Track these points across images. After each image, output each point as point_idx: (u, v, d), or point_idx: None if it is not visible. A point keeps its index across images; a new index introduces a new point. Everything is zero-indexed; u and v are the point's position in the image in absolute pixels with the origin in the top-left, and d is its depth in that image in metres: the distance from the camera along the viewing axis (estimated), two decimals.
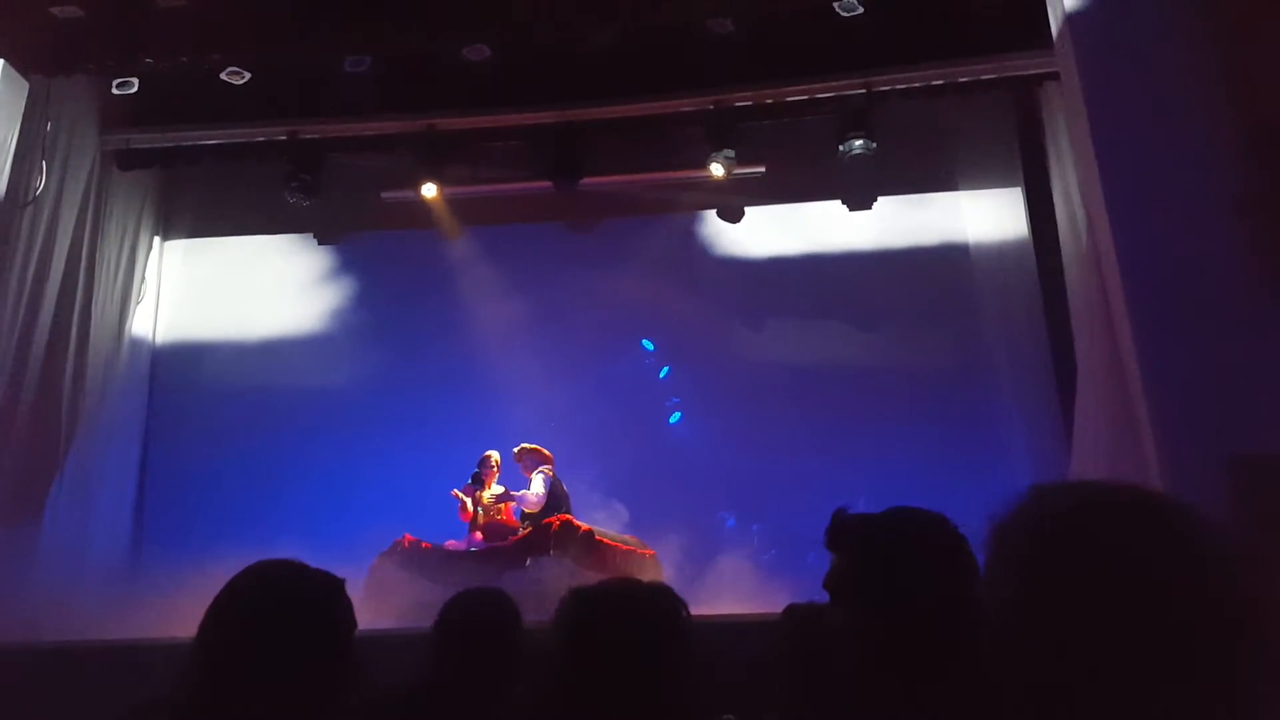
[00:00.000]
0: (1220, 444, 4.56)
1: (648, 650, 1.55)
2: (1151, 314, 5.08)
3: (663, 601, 1.65)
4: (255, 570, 1.63)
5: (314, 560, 1.66)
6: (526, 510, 6.97)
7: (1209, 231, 5.03)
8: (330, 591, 1.64)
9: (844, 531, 1.61)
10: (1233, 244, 4.89)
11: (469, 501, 7.09)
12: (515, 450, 7.26)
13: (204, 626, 1.55)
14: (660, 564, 7.25)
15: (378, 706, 2.19)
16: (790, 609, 2.97)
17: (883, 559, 1.53)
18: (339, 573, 1.69)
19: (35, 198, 6.77)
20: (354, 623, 1.65)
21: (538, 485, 7.04)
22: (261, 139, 7.68)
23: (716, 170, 7.76)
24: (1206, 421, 4.68)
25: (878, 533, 1.59)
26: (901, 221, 7.91)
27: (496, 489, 7.22)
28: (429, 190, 8.08)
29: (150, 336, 8.43)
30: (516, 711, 2.25)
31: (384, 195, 8.46)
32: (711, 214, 8.41)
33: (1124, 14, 5.52)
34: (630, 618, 1.59)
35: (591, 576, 6.38)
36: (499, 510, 7.10)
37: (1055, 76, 6.41)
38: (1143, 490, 0.94)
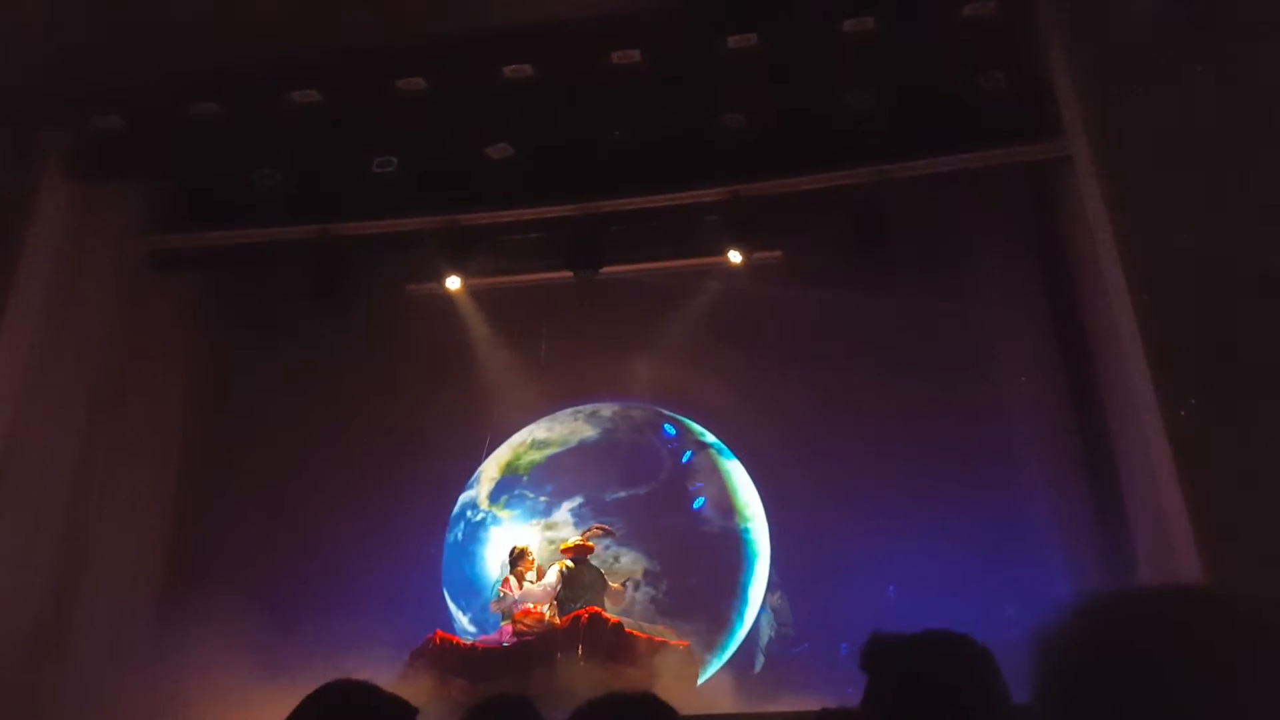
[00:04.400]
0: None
1: None
2: (1182, 397, 5.04)
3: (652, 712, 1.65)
4: (328, 694, 1.61)
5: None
6: (539, 604, 7.00)
7: (1235, 307, 5.01)
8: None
9: (880, 655, 1.66)
10: (1260, 319, 4.86)
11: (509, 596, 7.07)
12: (561, 548, 7.39)
13: None
14: (694, 655, 7.14)
15: None
16: (824, 714, 2.90)
17: (917, 684, 1.53)
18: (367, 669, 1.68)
19: (71, 301, 6.94)
20: None
21: (548, 578, 7.11)
22: (291, 239, 7.84)
23: (734, 257, 7.91)
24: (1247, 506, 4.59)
25: (911, 656, 1.60)
26: (920, 312, 7.89)
27: (529, 586, 7.18)
28: (453, 283, 8.29)
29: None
30: None
31: (410, 288, 8.66)
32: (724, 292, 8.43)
33: (1135, 95, 5.60)
34: None
35: (621, 670, 6.32)
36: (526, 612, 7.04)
37: (1068, 160, 6.49)
38: (1184, 590, 0.94)
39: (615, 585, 7.18)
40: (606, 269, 7.93)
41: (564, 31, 6.65)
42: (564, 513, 8.34)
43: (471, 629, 7.98)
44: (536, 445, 8.78)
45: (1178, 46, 5.38)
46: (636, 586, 7.60)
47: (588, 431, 8.77)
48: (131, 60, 6.55)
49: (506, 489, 8.66)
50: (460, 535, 8.56)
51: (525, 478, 8.66)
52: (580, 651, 6.47)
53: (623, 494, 8.36)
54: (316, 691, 1.60)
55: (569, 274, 8.03)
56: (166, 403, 8.14)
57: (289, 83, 6.90)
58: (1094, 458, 7.09)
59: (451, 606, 8.22)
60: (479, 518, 8.61)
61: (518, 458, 8.76)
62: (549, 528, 7.84)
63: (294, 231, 7.82)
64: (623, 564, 8.00)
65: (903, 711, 1.54)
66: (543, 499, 8.48)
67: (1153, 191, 5.45)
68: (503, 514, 8.55)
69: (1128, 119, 5.61)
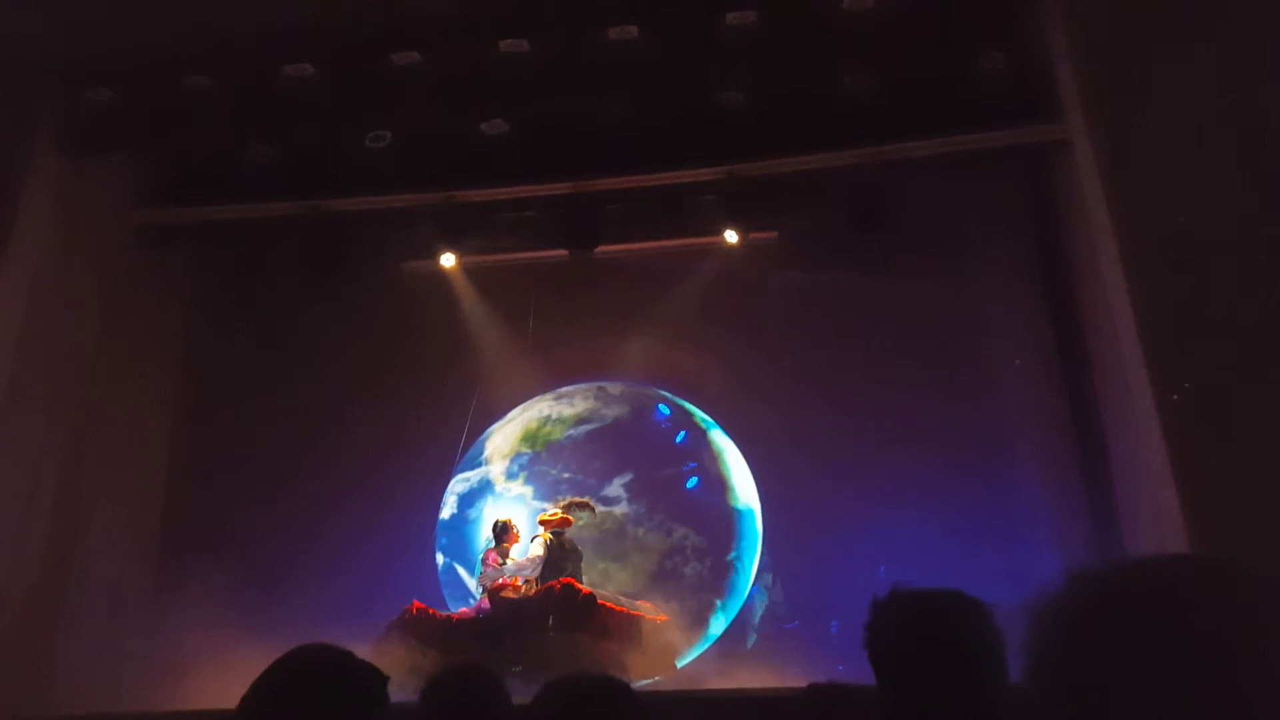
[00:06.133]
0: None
1: None
2: (1175, 381, 5.06)
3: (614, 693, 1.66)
4: (297, 659, 1.61)
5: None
6: (524, 577, 6.98)
7: (1232, 294, 5.02)
8: (373, 689, 1.62)
9: (890, 612, 1.64)
10: (1259, 304, 4.87)
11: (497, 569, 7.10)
12: (540, 519, 7.44)
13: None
14: (675, 629, 7.18)
15: None
16: (813, 688, 2.93)
17: (932, 642, 1.52)
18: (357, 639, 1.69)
19: (63, 274, 6.90)
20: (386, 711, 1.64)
21: (533, 549, 7.15)
22: (284, 215, 7.79)
23: (730, 237, 7.90)
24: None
25: (926, 615, 1.58)
26: (915, 294, 7.87)
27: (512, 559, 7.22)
28: (448, 260, 8.27)
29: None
30: None
31: (404, 265, 8.63)
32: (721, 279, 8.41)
33: (1136, 77, 5.58)
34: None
35: (595, 643, 6.37)
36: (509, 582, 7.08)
37: (1068, 145, 6.46)
38: (1176, 561, 0.94)
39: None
40: (602, 248, 7.89)
41: (561, 6, 6.60)
42: (586, 490, 8.35)
43: None
44: (553, 422, 8.79)
45: (1181, 27, 5.35)
46: (584, 507, 7.66)
47: (603, 409, 8.79)
48: (123, 33, 6.49)
49: (524, 465, 8.68)
50: (475, 512, 8.55)
51: (543, 453, 8.68)
52: (551, 622, 6.50)
53: (637, 474, 8.40)
54: (285, 655, 1.60)
55: (564, 252, 8.00)
56: (160, 374, 8.10)
57: (282, 56, 6.84)
58: (1085, 441, 7.12)
59: (469, 583, 8.21)
60: (495, 493, 8.63)
61: (532, 434, 8.77)
62: (571, 505, 7.91)
63: (286, 207, 7.76)
64: (649, 540, 8.13)
65: (917, 674, 1.53)
66: (566, 475, 8.51)
67: (1151, 175, 5.45)
68: (522, 490, 8.56)
69: (1127, 101, 5.60)
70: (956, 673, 1.50)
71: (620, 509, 8.25)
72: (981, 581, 1.71)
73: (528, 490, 8.55)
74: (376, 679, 1.63)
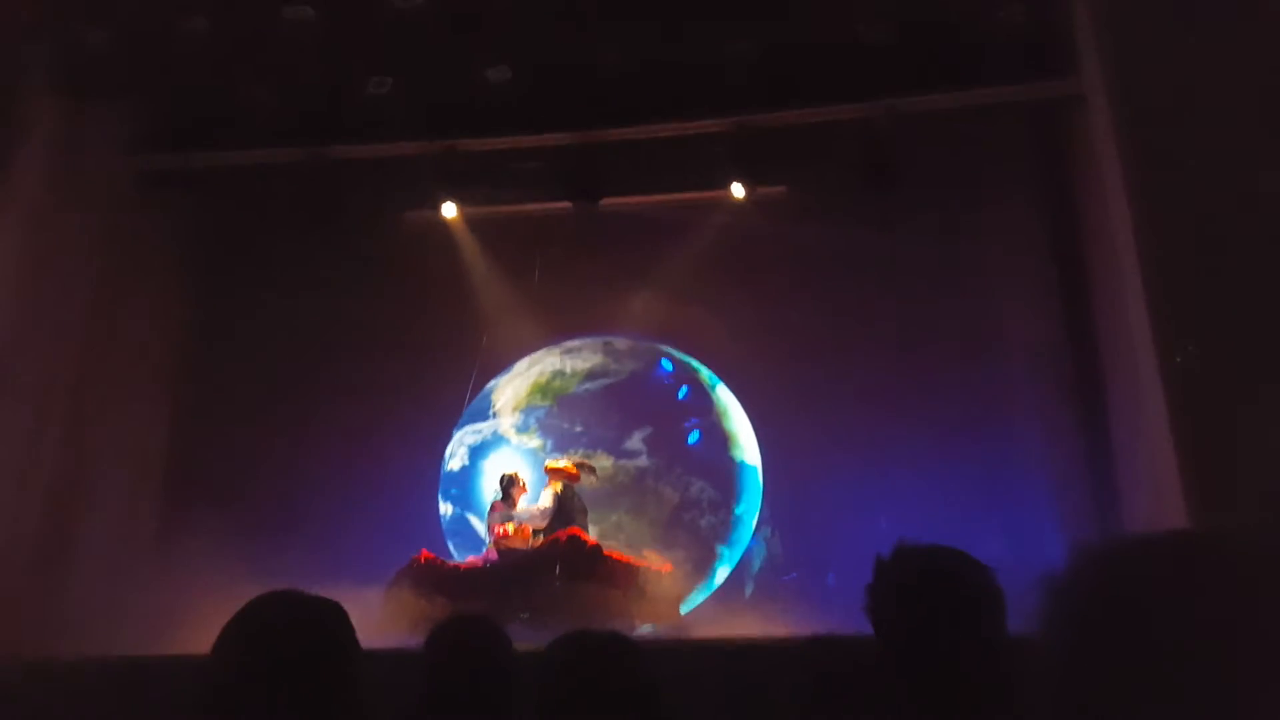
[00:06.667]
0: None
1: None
2: (1179, 343, 5.03)
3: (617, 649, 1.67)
4: (253, 608, 1.62)
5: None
6: (534, 527, 7.03)
7: (1242, 257, 4.97)
8: (330, 619, 1.64)
9: (895, 572, 1.63)
10: (1267, 270, 4.82)
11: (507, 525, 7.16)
12: (545, 466, 7.56)
13: (209, 667, 1.55)
14: (678, 579, 7.26)
15: None
16: (813, 639, 2.95)
17: (938, 603, 1.53)
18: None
19: (61, 219, 6.84)
20: (356, 646, 1.66)
21: (543, 500, 7.21)
22: (284, 161, 7.70)
23: (737, 191, 7.81)
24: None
25: (931, 576, 1.58)
26: (923, 250, 7.81)
27: (521, 507, 7.28)
28: (449, 210, 8.19)
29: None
30: None
31: (406, 215, 8.55)
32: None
33: (1155, 30, 5.47)
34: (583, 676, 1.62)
35: (601, 592, 6.47)
36: (518, 530, 7.14)
37: (1082, 101, 6.36)
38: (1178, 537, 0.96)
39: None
40: (606, 200, 7.81)
41: None
42: (594, 444, 8.42)
43: None
44: (564, 376, 8.81)
45: None
46: (591, 471, 7.73)
47: (613, 364, 8.80)
48: None
49: (536, 419, 8.72)
50: (486, 463, 8.59)
51: (555, 407, 8.72)
52: (558, 572, 6.57)
53: (654, 428, 8.46)
54: (240, 610, 1.62)
55: (568, 204, 7.92)
56: (161, 320, 8.07)
57: None
58: (1087, 399, 7.12)
59: (480, 531, 8.29)
60: (506, 445, 8.68)
61: (542, 387, 8.80)
62: (585, 458, 7.96)
63: (286, 154, 7.66)
64: (665, 493, 8.25)
65: (921, 634, 1.53)
66: (579, 429, 8.57)
67: (1166, 131, 5.37)
68: (533, 442, 8.60)
69: (1145, 56, 5.49)
70: (961, 633, 1.51)
71: (636, 462, 8.31)
72: (978, 540, 1.70)
73: (539, 443, 8.60)
74: (335, 613, 1.64)
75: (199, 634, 1.69)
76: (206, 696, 1.53)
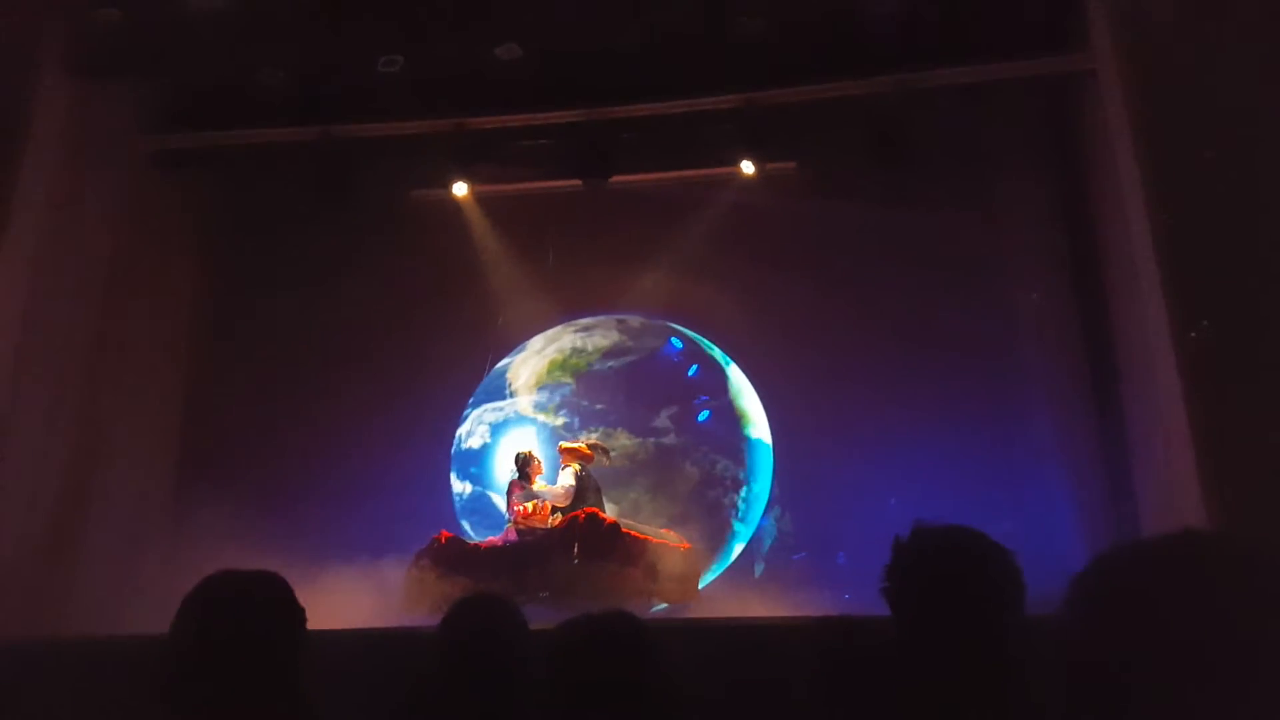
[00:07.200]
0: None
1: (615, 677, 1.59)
2: (1194, 319, 5.01)
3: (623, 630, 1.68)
4: (199, 589, 1.75)
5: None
6: (556, 505, 7.09)
7: (1256, 232, 4.93)
8: (266, 589, 1.75)
9: (914, 553, 1.63)
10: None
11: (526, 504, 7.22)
12: (560, 446, 7.56)
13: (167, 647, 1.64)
14: (696, 557, 7.30)
15: (379, 706, 2.22)
16: (824, 620, 2.97)
17: (951, 580, 1.53)
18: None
19: (76, 197, 6.87)
20: (297, 611, 1.77)
21: (564, 479, 7.24)
22: (294, 140, 7.70)
23: (747, 168, 7.79)
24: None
25: (952, 557, 1.58)
26: (933, 227, 7.77)
27: (540, 485, 7.36)
28: (460, 189, 8.20)
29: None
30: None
31: (415, 193, 8.56)
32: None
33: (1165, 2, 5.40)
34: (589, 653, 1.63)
35: (619, 571, 6.51)
36: (538, 509, 7.18)
37: (1094, 75, 6.29)
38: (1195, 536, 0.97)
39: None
40: (616, 178, 7.80)
41: None
42: (617, 422, 8.48)
43: None
44: (581, 354, 8.85)
45: None
46: (605, 452, 7.76)
47: (629, 341, 8.82)
48: None
49: (555, 397, 8.77)
50: (506, 441, 8.63)
51: (573, 385, 8.77)
52: (576, 551, 6.63)
53: (678, 407, 8.51)
54: (191, 590, 1.70)
55: (578, 182, 7.91)
56: (175, 298, 8.12)
57: None
58: (1100, 377, 7.09)
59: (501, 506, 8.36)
60: (525, 423, 8.73)
61: (560, 365, 8.83)
62: (606, 435, 7.99)
63: (296, 133, 7.67)
64: (687, 472, 8.28)
65: (941, 615, 1.54)
66: (599, 406, 8.62)
67: (1179, 107, 5.31)
68: (553, 420, 8.65)
69: (1156, 29, 5.43)
70: (980, 614, 1.51)
71: (664, 440, 8.35)
72: (988, 523, 1.71)
73: (561, 421, 8.63)
74: (275, 586, 1.72)
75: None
76: (164, 674, 1.61)
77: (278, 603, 1.75)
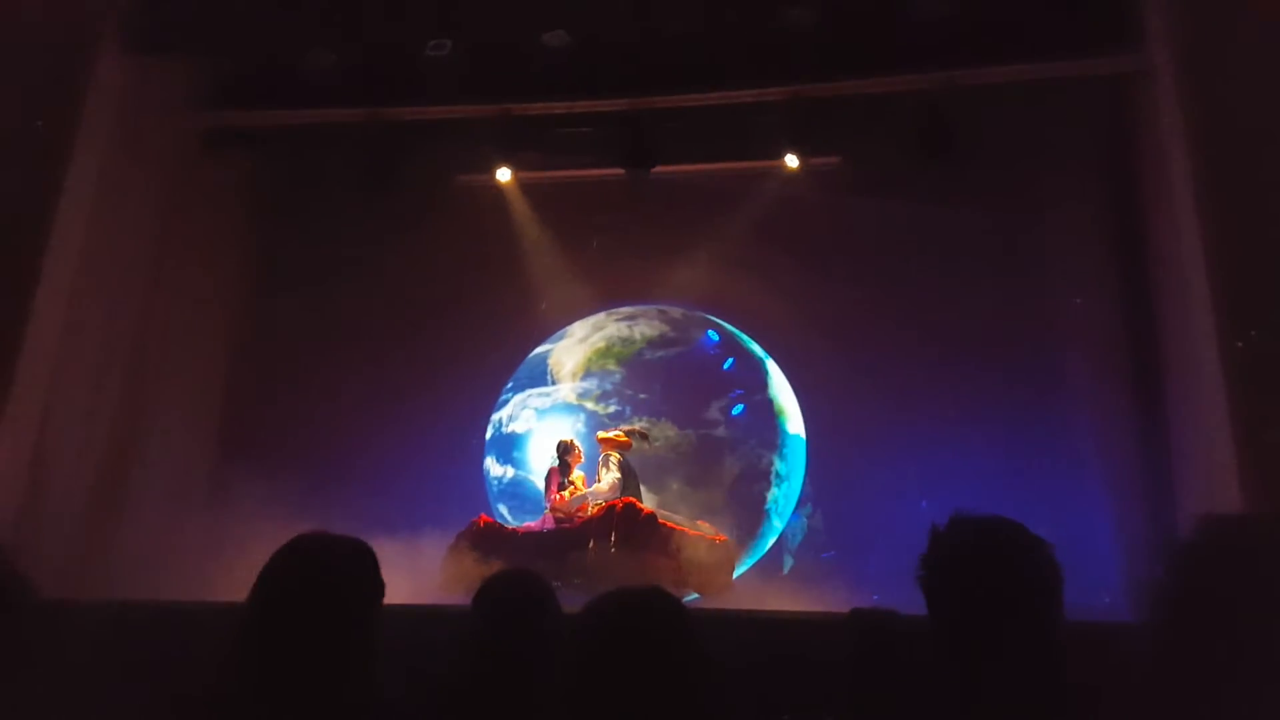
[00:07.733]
0: None
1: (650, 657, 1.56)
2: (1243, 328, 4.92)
3: (660, 604, 1.67)
4: (287, 548, 1.75)
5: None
6: (608, 500, 7.18)
7: None
8: (356, 559, 1.74)
9: (952, 543, 1.63)
10: None
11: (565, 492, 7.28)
12: (598, 436, 7.63)
13: (245, 610, 1.64)
14: (731, 549, 7.31)
15: (414, 684, 2.24)
16: (856, 612, 2.97)
17: (989, 571, 1.53)
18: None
19: (127, 174, 7.00)
20: (379, 585, 1.75)
21: (611, 474, 7.29)
22: (342, 122, 7.78)
23: (791, 161, 7.75)
24: None
25: (991, 548, 1.58)
26: (977, 226, 7.67)
27: (578, 475, 7.43)
28: (504, 175, 8.24)
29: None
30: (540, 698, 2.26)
31: (460, 178, 8.62)
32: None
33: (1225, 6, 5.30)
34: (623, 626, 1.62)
35: (654, 560, 6.55)
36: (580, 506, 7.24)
37: (1148, 76, 6.18)
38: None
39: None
40: (659, 168, 7.79)
41: None
42: (662, 412, 8.49)
43: None
44: (625, 342, 8.86)
45: None
46: (644, 437, 7.80)
47: (671, 332, 8.82)
48: None
49: (599, 385, 8.79)
50: (549, 427, 8.66)
51: (617, 374, 8.78)
52: (613, 539, 6.67)
53: (724, 400, 8.51)
54: (279, 550, 1.72)
55: (620, 171, 7.92)
56: (220, 275, 8.22)
57: None
58: (1144, 385, 6.97)
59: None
60: (569, 410, 8.77)
61: (603, 353, 8.86)
62: (652, 425, 8.04)
63: (345, 114, 7.74)
64: (726, 465, 8.31)
65: (981, 607, 1.53)
66: (643, 395, 8.62)
67: (1233, 111, 5.21)
68: (600, 409, 8.69)
69: (1214, 32, 5.32)
70: (1017, 606, 1.50)
71: (715, 432, 8.37)
72: (1024, 519, 1.69)
73: (607, 409, 8.66)
74: (362, 555, 1.72)
75: (246, 582, 1.78)
76: (245, 631, 1.62)
77: (369, 571, 1.74)
